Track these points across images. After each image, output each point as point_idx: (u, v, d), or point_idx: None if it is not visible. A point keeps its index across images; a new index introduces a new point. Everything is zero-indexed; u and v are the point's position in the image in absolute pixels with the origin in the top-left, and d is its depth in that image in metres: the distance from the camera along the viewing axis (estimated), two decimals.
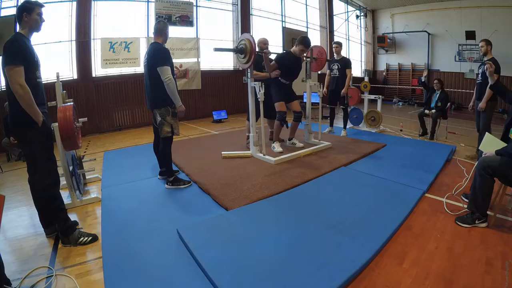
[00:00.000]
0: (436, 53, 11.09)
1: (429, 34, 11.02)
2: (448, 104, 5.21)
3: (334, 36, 11.22)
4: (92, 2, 6.00)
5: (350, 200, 2.57)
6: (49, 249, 2.03)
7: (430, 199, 2.66)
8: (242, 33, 7.88)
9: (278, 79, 3.93)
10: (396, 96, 12.16)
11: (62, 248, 2.03)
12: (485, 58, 3.62)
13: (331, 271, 1.63)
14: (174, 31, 7.19)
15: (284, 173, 3.20)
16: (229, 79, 8.52)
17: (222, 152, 3.91)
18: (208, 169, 3.36)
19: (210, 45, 7.23)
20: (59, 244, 2.08)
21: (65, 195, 2.57)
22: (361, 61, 13.15)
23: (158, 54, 2.65)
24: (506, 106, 8.07)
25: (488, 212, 2.21)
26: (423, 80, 5.35)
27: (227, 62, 8.60)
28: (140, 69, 6.44)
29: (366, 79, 6.64)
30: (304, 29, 10.17)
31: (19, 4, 1.95)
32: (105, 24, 6.30)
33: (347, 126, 5.48)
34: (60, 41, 5.82)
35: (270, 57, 3.83)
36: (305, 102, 4.66)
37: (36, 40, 2.10)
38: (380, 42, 12.25)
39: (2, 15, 4.96)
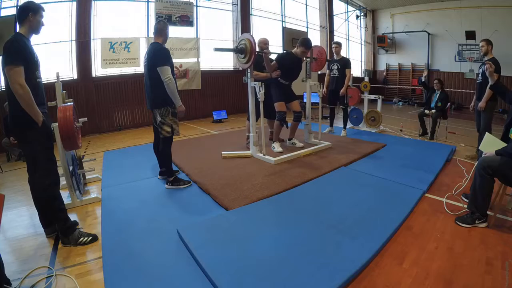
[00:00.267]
0: (436, 53, 11.09)
1: (429, 34, 11.02)
2: (448, 104, 5.21)
3: (334, 36, 11.22)
4: (92, 2, 6.00)
5: (350, 200, 2.57)
6: (49, 249, 2.03)
7: (430, 199, 2.66)
8: (242, 33, 7.88)
9: (277, 80, 3.93)
10: (396, 96, 12.16)
11: (62, 248, 2.03)
12: (486, 58, 3.61)
13: (331, 271, 1.63)
14: (174, 31, 7.19)
15: (284, 173, 3.20)
16: (229, 79, 8.52)
17: (222, 152, 3.91)
18: (208, 169, 3.37)
19: (210, 45, 7.23)
20: (59, 244, 2.08)
21: (65, 195, 2.57)
22: (361, 61, 13.15)
23: (158, 54, 2.65)
24: (506, 106, 8.07)
25: (488, 212, 2.21)
26: (423, 80, 5.35)
27: (227, 62, 8.60)
28: (140, 69, 6.45)
29: (366, 79, 6.63)
30: (304, 29, 10.17)
31: (22, 4, 1.96)
32: (105, 24, 6.30)
33: (347, 126, 5.48)
34: (60, 41, 5.82)
35: (270, 57, 3.83)
36: (305, 102, 4.66)
37: (36, 40, 2.10)
38: (380, 42, 12.25)
39: (2, 15, 4.96)
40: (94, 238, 2.11)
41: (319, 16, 11.06)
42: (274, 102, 3.93)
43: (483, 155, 2.21)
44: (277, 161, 3.54)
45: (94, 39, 6.14)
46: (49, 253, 1.98)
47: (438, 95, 5.13)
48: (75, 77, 6.07)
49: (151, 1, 6.80)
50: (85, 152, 4.67)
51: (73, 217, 2.31)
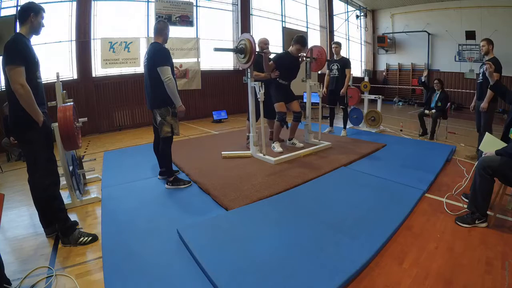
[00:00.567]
0: (436, 53, 11.09)
1: (429, 34, 11.02)
2: (448, 104, 5.21)
3: (334, 36, 11.22)
4: (92, 2, 6.00)
5: (350, 200, 2.57)
6: (49, 249, 2.03)
7: (430, 199, 2.66)
8: (242, 33, 7.88)
9: (276, 80, 3.93)
10: (397, 96, 12.15)
11: (62, 248, 2.03)
12: (487, 58, 3.60)
13: (331, 271, 1.63)
14: (174, 31, 7.19)
15: (284, 173, 3.20)
16: (229, 79, 8.52)
17: (222, 152, 3.91)
18: (208, 169, 3.36)
19: (210, 45, 7.23)
20: (59, 244, 2.08)
21: (65, 195, 2.56)
22: (361, 61, 13.16)
23: (158, 54, 2.65)
24: (506, 106, 8.08)
25: (488, 212, 2.21)
26: (423, 80, 5.34)
27: (227, 62, 8.60)
28: (140, 69, 6.45)
29: (366, 79, 6.63)
30: (304, 29, 10.17)
31: (24, 4, 1.96)
32: (105, 24, 6.30)
33: (347, 126, 5.48)
34: (60, 41, 5.82)
35: (269, 57, 3.83)
36: (305, 102, 4.66)
37: (36, 40, 2.10)
38: (380, 42, 12.25)
39: (2, 15, 4.96)
40: (94, 238, 2.11)
41: (319, 16, 11.06)
42: (274, 103, 3.93)
43: (483, 155, 2.21)
44: (277, 161, 3.54)
45: (94, 39, 6.14)
46: (49, 253, 1.98)
47: (438, 95, 5.13)
48: (75, 77, 6.07)
49: (151, 1, 6.80)
50: (85, 152, 4.67)
51: (73, 217, 2.31)
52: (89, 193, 3.02)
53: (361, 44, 12.98)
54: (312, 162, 3.60)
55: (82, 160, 3.23)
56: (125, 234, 2.11)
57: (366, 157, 3.86)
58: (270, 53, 3.80)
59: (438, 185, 2.98)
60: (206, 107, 7.91)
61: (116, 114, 6.59)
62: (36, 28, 1.97)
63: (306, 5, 10.43)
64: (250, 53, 3.34)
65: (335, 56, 5.29)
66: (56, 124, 2.22)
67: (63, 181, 2.46)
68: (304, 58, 4.13)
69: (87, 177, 3.33)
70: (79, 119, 2.72)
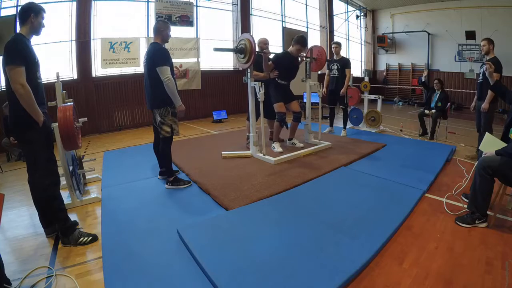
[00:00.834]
0: (436, 53, 11.09)
1: (429, 34, 11.02)
2: (448, 104, 5.21)
3: (334, 36, 11.22)
4: (92, 2, 6.00)
5: (350, 200, 2.57)
6: (49, 249, 2.03)
7: (430, 199, 2.66)
8: (242, 33, 7.88)
9: (276, 80, 3.93)
10: (397, 96, 12.15)
11: (62, 248, 2.03)
12: (487, 58, 3.59)
13: (331, 271, 1.63)
14: (174, 31, 7.15)
15: (284, 173, 3.20)
16: (229, 79, 8.52)
17: (222, 152, 3.91)
18: (208, 169, 3.36)
19: (210, 45, 7.23)
20: (59, 244, 2.08)
21: (65, 195, 2.56)
22: (361, 61, 13.16)
23: (157, 55, 2.65)
24: (506, 106, 8.08)
25: (488, 212, 2.21)
26: (423, 80, 5.34)
27: (227, 62, 8.60)
28: (140, 69, 6.45)
29: (366, 79, 6.63)
30: (304, 29, 10.17)
31: (24, 4, 1.96)
32: (105, 24, 6.30)
33: (347, 126, 5.48)
34: (60, 41, 5.82)
35: (269, 57, 3.83)
36: (305, 102, 4.66)
37: (36, 40, 2.11)
38: (380, 42, 12.25)
39: (2, 15, 4.96)
40: (94, 238, 2.11)
41: (319, 16, 11.06)
42: (273, 103, 3.93)
43: (483, 155, 2.21)
44: (277, 161, 3.54)
45: (94, 39, 6.14)
46: (49, 253, 1.98)
47: (438, 95, 5.13)
48: (75, 77, 6.07)
49: (151, 1, 6.80)
50: (85, 152, 4.67)
51: (73, 217, 2.31)
52: (89, 193, 3.02)
53: (361, 44, 12.98)
54: (312, 162, 3.60)
55: (82, 160, 3.23)
56: (125, 234, 2.11)
57: (366, 157, 3.86)
58: (270, 53, 3.80)
59: (438, 185, 2.98)
60: (206, 107, 7.91)
61: (116, 114, 6.59)
62: (36, 29, 1.98)
63: (306, 5, 10.44)
64: (250, 53, 3.34)
65: (335, 56, 5.29)
66: (56, 124, 2.22)
67: (63, 181, 2.45)
68: (304, 58, 4.13)
69: (87, 177, 3.33)
70: (79, 119, 2.72)
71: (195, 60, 7.48)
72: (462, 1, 9.88)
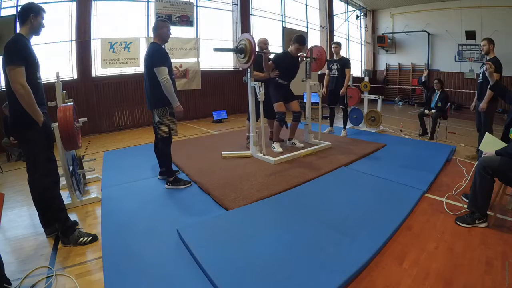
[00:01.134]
0: (436, 53, 11.09)
1: (429, 34, 11.02)
2: (448, 104, 5.21)
3: (334, 36, 11.22)
4: (92, 2, 6.00)
5: (350, 200, 2.57)
6: (49, 249, 2.03)
7: (430, 199, 2.66)
8: (242, 33, 7.88)
9: (276, 80, 3.93)
10: (397, 96, 12.14)
11: (62, 248, 2.03)
12: (487, 57, 3.59)
13: (331, 271, 1.63)
14: (174, 31, 7.16)
15: (284, 173, 3.20)
16: (229, 79, 8.52)
17: (222, 152, 3.91)
18: (208, 169, 3.36)
19: (210, 45, 7.23)
20: (59, 244, 2.08)
21: (65, 195, 2.57)
22: (361, 61, 13.16)
23: (155, 55, 2.66)
24: (506, 106, 8.07)
25: (488, 212, 2.21)
26: (423, 80, 5.34)
27: (227, 62, 8.60)
28: (140, 69, 6.45)
29: (366, 79, 6.64)
30: (304, 29, 10.17)
31: (24, 4, 1.96)
32: (105, 24, 6.30)
33: (347, 126, 5.48)
34: (60, 41, 5.82)
35: (269, 57, 3.83)
36: (305, 102, 4.66)
37: (36, 40, 2.11)
38: (380, 42, 12.25)
39: (2, 15, 4.96)
40: (94, 238, 2.11)
41: (319, 16, 11.06)
42: (273, 103, 3.93)
43: (483, 155, 2.21)
44: (277, 161, 3.54)
45: (94, 39, 6.14)
46: (49, 253, 1.98)
47: (438, 95, 5.13)
48: (75, 77, 6.07)
49: (151, 1, 6.80)
50: (85, 152, 4.67)
51: (73, 217, 2.31)
52: (89, 193, 3.02)
53: (361, 44, 12.98)
54: (312, 162, 3.60)
55: (82, 160, 3.23)
56: (125, 234, 2.11)
57: (366, 157, 3.86)
58: (270, 53, 3.80)
59: (438, 185, 2.98)
60: (206, 107, 7.91)
61: (116, 114, 6.59)
62: (36, 29, 1.98)
63: (306, 5, 10.43)
64: (250, 53, 3.34)
65: (335, 56, 5.29)
66: (56, 124, 2.22)
67: (63, 181, 2.46)
68: (304, 58, 4.13)
69: (87, 177, 3.33)
70: (79, 119, 2.72)
71: (195, 60, 7.48)
72: (462, 1, 9.88)
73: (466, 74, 10.16)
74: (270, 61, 3.82)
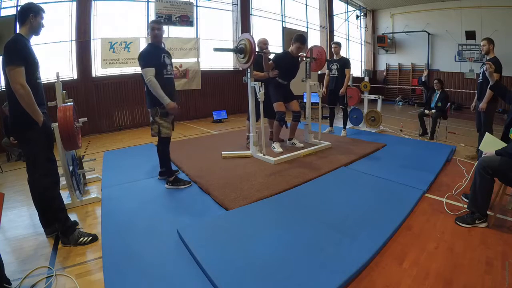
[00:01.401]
0: (436, 53, 11.09)
1: (429, 34, 11.02)
2: (448, 104, 5.21)
3: (334, 36, 11.22)
4: (92, 2, 6.00)
5: (350, 200, 2.57)
6: (49, 249, 2.03)
7: (430, 199, 2.66)
8: (242, 33, 7.88)
9: (276, 79, 3.93)
10: (398, 96, 12.13)
11: (62, 248, 2.03)
12: (487, 57, 3.59)
13: (331, 271, 1.63)
14: (174, 31, 7.20)
15: (284, 173, 3.20)
16: (229, 79, 8.52)
17: (222, 152, 3.91)
18: (208, 169, 3.36)
19: (210, 45, 7.23)
20: (59, 244, 2.08)
21: (65, 195, 2.57)
22: (361, 61, 13.16)
23: (142, 57, 2.69)
24: (506, 106, 8.07)
25: (488, 212, 2.21)
26: (423, 80, 5.34)
27: (227, 62, 8.61)
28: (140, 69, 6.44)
29: (366, 79, 6.64)
30: (304, 29, 10.17)
31: (23, 5, 1.97)
32: (105, 24, 6.30)
33: (347, 126, 5.48)
34: (60, 41, 5.82)
35: (269, 57, 3.83)
36: (305, 102, 4.65)
37: (36, 40, 2.11)
38: (380, 42, 12.25)
39: (2, 15, 4.96)
40: (94, 238, 2.11)
41: (319, 16, 11.06)
42: (273, 103, 3.93)
43: (483, 155, 2.21)
44: (277, 161, 3.54)
45: (94, 39, 6.14)
46: (49, 253, 1.98)
47: (438, 95, 5.13)
48: (75, 77, 6.07)
49: (151, 1, 6.80)
50: (85, 152, 4.67)
51: (73, 217, 2.31)
52: (89, 193, 3.02)
53: (361, 44, 12.98)
54: (312, 162, 3.60)
55: (82, 160, 3.23)
56: (125, 234, 2.11)
57: (366, 157, 3.86)
58: (270, 53, 3.80)
59: (438, 185, 2.98)
60: (206, 107, 7.91)
61: (116, 114, 6.59)
62: (35, 29, 1.98)
63: (306, 5, 10.44)
64: (250, 53, 3.34)
65: (334, 56, 5.29)
66: (56, 124, 2.22)
67: (63, 181, 2.46)
68: (304, 58, 4.13)
69: (87, 177, 3.33)
70: (79, 119, 2.72)
71: (195, 60, 7.48)
72: (462, 1, 9.88)
73: (466, 74, 10.16)
74: (270, 61, 3.82)
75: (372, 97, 5.86)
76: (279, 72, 3.87)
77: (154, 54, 2.72)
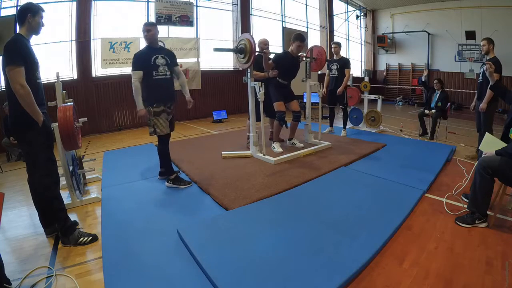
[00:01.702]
0: (436, 53, 11.09)
1: (429, 34, 11.02)
2: (448, 104, 5.21)
3: (334, 36, 11.23)
4: (92, 2, 6.01)
5: (350, 200, 2.57)
6: (49, 249, 2.03)
7: (430, 199, 2.66)
8: (242, 33, 7.88)
9: (276, 79, 3.93)
10: (398, 96, 12.13)
11: (62, 248, 2.03)
12: (487, 57, 3.59)
13: (331, 271, 1.63)
14: (174, 31, 7.20)
15: (284, 173, 3.20)
16: (229, 79, 8.52)
17: (222, 152, 3.91)
18: (208, 169, 3.37)
19: (210, 45, 7.23)
20: (59, 244, 2.08)
21: (65, 195, 2.57)
22: (361, 61, 13.16)
23: (133, 60, 2.75)
24: (506, 106, 8.07)
25: (488, 212, 2.21)
26: (423, 80, 5.34)
27: (227, 62, 8.61)
28: None
29: (366, 79, 6.64)
30: (304, 29, 10.17)
31: (22, 5, 1.96)
32: (105, 24, 6.30)
33: (347, 126, 5.48)
34: (60, 41, 5.82)
35: (269, 57, 3.83)
36: (305, 102, 4.65)
37: (36, 40, 2.11)
38: (380, 42, 12.25)
39: (2, 15, 4.96)
40: (94, 238, 2.11)
41: (319, 16, 11.06)
42: (273, 102, 3.94)
43: (483, 155, 2.21)
44: (277, 161, 3.54)
45: (94, 39, 6.14)
46: (49, 253, 1.98)
47: (438, 95, 5.13)
48: (75, 77, 6.07)
49: (151, 1, 6.80)
50: (85, 152, 4.67)
51: (73, 217, 2.31)
52: (89, 193, 3.02)
53: (361, 44, 12.98)
54: (312, 162, 3.59)
55: (82, 160, 3.23)
56: (125, 234, 2.11)
57: (366, 157, 3.86)
58: (270, 53, 3.80)
59: (438, 185, 2.98)
60: (206, 107, 7.91)
61: (116, 114, 6.59)
62: (35, 29, 1.97)
63: (306, 5, 10.44)
64: (250, 53, 3.34)
65: (334, 56, 5.28)
66: (56, 124, 2.22)
67: (63, 181, 2.46)
68: (304, 58, 4.14)
69: (87, 177, 3.33)
70: (79, 119, 2.73)
71: (195, 60, 7.48)
72: (462, 1, 9.88)
73: (466, 74, 10.16)
74: (270, 61, 3.82)
75: (372, 97, 5.86)
76: (279, 72, 3.87)
77: (144, 56, 2.76)
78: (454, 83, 10.59)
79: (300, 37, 3.84)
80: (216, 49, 3.56)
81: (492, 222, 2.16)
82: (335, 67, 5.18)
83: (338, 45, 5.26)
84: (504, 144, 2.20)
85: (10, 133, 3.92)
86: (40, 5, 2.00)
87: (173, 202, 2.65)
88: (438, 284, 1.58)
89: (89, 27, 6.03)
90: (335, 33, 11.32)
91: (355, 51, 12.76)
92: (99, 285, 1.64)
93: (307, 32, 10.10)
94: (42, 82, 2.08)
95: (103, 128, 6.39)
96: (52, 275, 1.72)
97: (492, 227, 2.14)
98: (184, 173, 3.35)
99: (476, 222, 2.15)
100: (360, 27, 12.65)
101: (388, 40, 12.19)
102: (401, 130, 5.86)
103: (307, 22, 10.48)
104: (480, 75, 3.75)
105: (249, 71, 3.56)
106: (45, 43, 5.36)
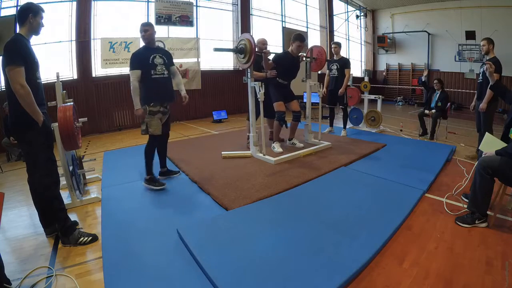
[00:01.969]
0: (436, 53, 11.09)
1: (429, 34, 11.02)
2: (448, 104, 5.21)
3: (334, 36, 11.23)
4: (92, 2, 6.01)
5: (350, 200, 2.57)
6: (49, 249, 2.03)
7: (430, 199, 2.66)
8: (242, 33, 7.88)
9: (276, 79, 3.93)
10: (398, 96, 12.13)
11: (62, 248, 2.03)
12: (487, 57, 3.59)
13: (331, 271, 1.63)
14: (174, 31, 7.20)
15: (284, 173, 3.20)
16: (229, 79, 8.52)
17: (222, 152, 3.91)
18: (208, 169, 3.36)
19: (210, 45, 7.24)
20: (59, 244, 2.08)
21: (65, 195, 2.57)
22: (361, 61, 13.16)
23: (130, 60, 2.77)
24: (506, 106, 8.07)
25: (488, 212, 2.21)
26: (423, 80, 5.34)
27: (227, 62, 8.61)
28: None
29: (366, 79, 6.64)
30: (304, 29, 10.17)
31: (23, 5, 1.97)
32: (105, 24, 6.30)
33: (347, 126, 5.48)
34: (60, 41, 5.83)
35: (269, 57, 3.84)
36: (305, 102, 4.65)
37: (36, 40, 2.11)
38: (380, 42, 12.25)
39: (2, 15, 4.96)
40: (94, 238, 2.11)
41: (319, 16, 11.06)
42: (273, 102, 3.94)
43: (483, 155, 2.21)
44: (277, 161, 3.54)
45: (94, 39, 6.14)
46: (49, 253, 1.98)
47: (438, 95, 5.13)
48: (75, 77, 6.07)
49: (151, 1, 6.80)
50: (85, 152, 4.67)
51: (73, 217, 2.30)
52: (89, 193, 3.02)
53: (361, 44, 12.98)
54: (312, 162, 3.59)
55: (82, 160, 3.23)
56: (125, 234, 2.11)
57: (366, 157, 3.86)
58: (270, 53, 3.80)
59: (438, 185, 2.98)
60: (206, 107, 7.91)
61: (116, 114, 6.59)
62: (35, 29, 1.97)
63: (306, 5, 10.44)
64: (250, 53, 3.34)
65: (334, 56, 5.29)
66: (56, 124, 2.22)
67: (63, 181, 2.45)
68: (304, 58, 4.14)
69: (87, 177, 3.33)
70: (79, 119, 2.73)
71: (195, 60, 7.48)
72: (462, 1, 9.88)
73: (466, 74, 10.16)
74: (270, 61, 3.82)
75: (372, 97, 5.86)
76: (279, 72, 3.87)
77: (142, 56, 2.77)
78: (454, 83, 10.59)
79: (300, 37, 3.85)
80: (216, 49, 3.56)
81: (492, 222, 2.16)
82: (335, 67, 5.18)
83: (338, 45, 5.26)
84: (504, 144, 2.20)
85: (10, 133, 3.92)
86: (40, 5, 2.00)
87: (173, 202, 2.65)
88: (438, 284, 1.58)
89: (89, 27, 6.03)
90: (335, 33, 11.33)
91: (355, 51, 12.77)
92: (99, 285, 1.64)
93: (307, 32, 10.10)
94: (42, 82, 2.08)
95: (103, 128, 6.39)
96: (52, 275, 1.72)
97: (492, 227, 2.14)
98: (184, 173, 3.35)
99: (476, 222, 2.15)
100: (360, 27, 12.65)
101: (388, 40, 12.19)
102: (401, 130, 5.86)
103: (307, 22, 10.48)
104: (480, 75, 3.75)
105: (249, 71, 3.56)
106: (45, 43, 5.36)
